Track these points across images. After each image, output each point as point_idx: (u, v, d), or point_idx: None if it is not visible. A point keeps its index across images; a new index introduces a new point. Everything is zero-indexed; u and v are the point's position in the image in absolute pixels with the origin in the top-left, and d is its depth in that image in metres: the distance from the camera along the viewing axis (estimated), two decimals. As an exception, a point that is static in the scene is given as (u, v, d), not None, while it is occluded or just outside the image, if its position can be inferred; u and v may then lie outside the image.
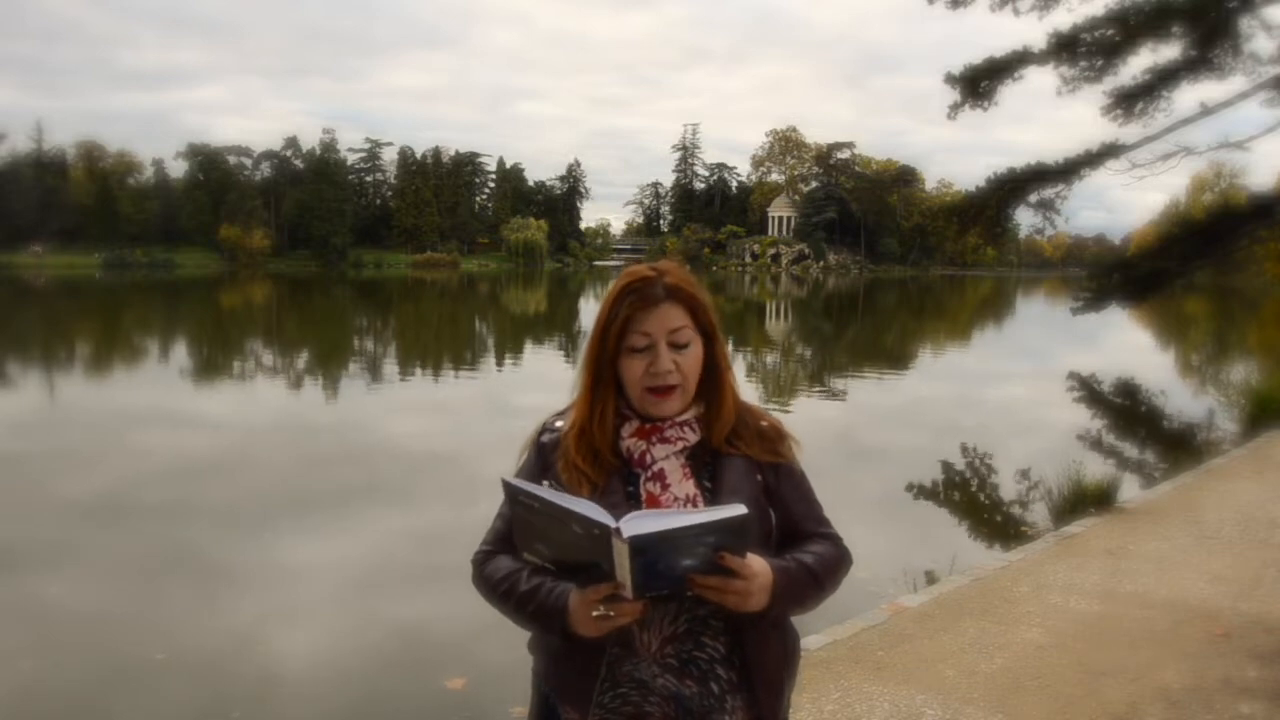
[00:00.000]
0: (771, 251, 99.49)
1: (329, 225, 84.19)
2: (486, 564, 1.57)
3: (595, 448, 1.52)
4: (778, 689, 1.54)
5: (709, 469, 1.53)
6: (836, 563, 1.56)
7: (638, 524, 1.26)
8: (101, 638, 5.18)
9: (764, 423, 1.59)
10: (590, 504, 1.31)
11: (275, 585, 5.99)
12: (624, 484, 1.51)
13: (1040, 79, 38.99)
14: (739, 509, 1.30)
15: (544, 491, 1.34)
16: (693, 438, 1.53)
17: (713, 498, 1.49)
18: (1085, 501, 6.64)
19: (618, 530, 1.25)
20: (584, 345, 1.59)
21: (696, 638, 1.47)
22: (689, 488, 1.50)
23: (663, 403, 1.50)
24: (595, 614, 1.35)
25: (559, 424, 1.59)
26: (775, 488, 1.55)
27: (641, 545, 1.24)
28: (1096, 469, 7.66)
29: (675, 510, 1.43)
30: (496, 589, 1.52)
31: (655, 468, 1.51)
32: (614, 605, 1.33)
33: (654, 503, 1.49)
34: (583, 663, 1.47)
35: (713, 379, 1.55)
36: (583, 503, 1.31)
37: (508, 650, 4.60)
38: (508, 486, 1.37)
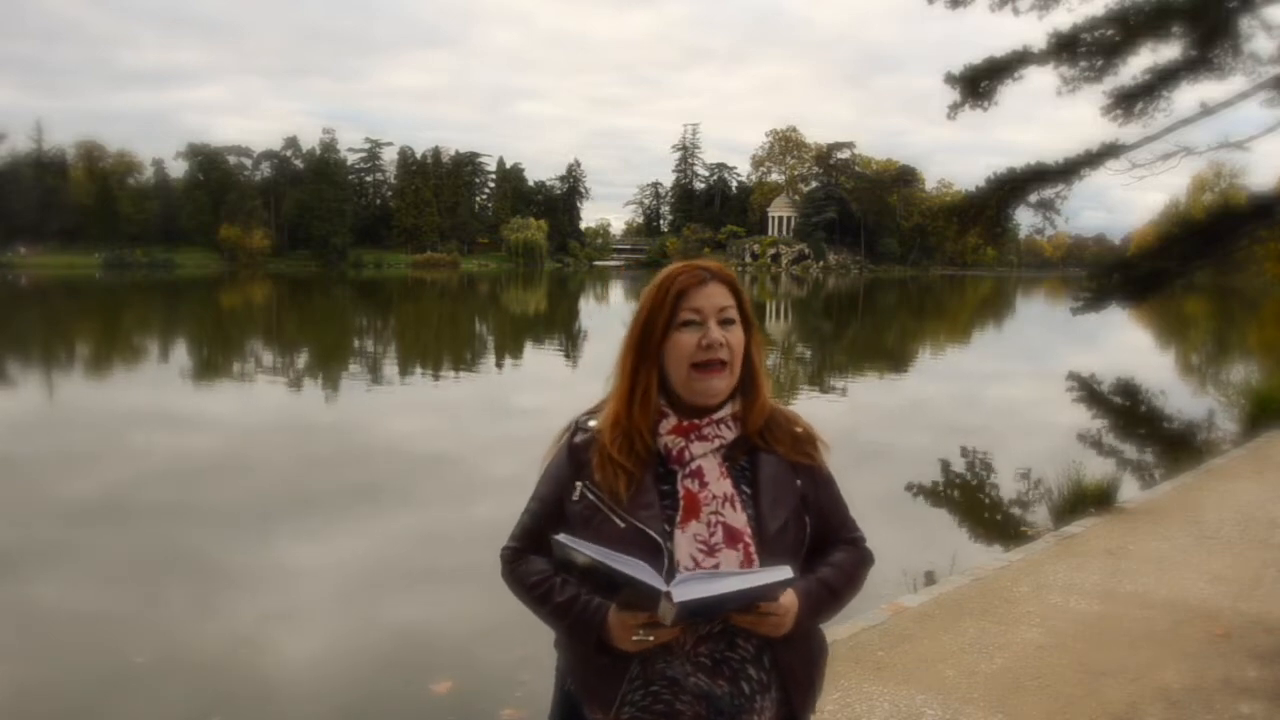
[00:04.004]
0: (771, 251, 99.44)
1: (329, 225, 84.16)
2: (518, 564, 1.59)
3: (632, 435, 1.52)
4: (808, 687, 1.57)
5: (746, 471, 1.54)
6: (856, 568, 1.62)
7: (689, 589, 1.32)
8: (88, 639, 5.16)
9: (798, 429, 1.61)
10: (641, 565, 1.35)
11: (268, 587, 5.98)
12: (658, 482, 1.52)
13: (1040, 79, 38.96)
14: (785, 573, 1.37)
15: (597, 552, 1.35)
16: (729, 435, 1.54)
17: (754, 505, 1.51)
18: (1085, 501, 6.64)
19: (668, 595, 1.31)
20: (620, 341, 1.59)
21: (730, 639, 1.49)
22: (726, 486, 1.51)
23: (711, 380, 1.51)
24: (635, 637, 1.40)
25: (591, 423, 1.58)
26: (813, 496, 1.58)
27: (691, 610, 1.32)
28: (1096, 469, 7.65)
29: (724, 572, 1.43)
30: (531, 592, 1.56)
31: (693, 465, 1.52)
32: (653, 630, 1.39)
33: (692, 500, 1.49)
34: (611, 665, 1.49)
35: (749, 370, 1.57)
36: (634, 563, 1.35)
37: (497, 653, 4.62)
38: (556, 543, 1.39)
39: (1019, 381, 17.72)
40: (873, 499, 8.34)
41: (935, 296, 61.75)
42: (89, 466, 9.21)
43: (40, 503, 7.83)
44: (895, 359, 22.76)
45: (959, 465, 9.99)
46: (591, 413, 1.61)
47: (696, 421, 1.53)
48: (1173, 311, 35.15)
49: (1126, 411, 14.37)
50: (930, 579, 5.49)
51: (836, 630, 4.21)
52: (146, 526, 7.23)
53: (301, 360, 21.31)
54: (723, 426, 1.54)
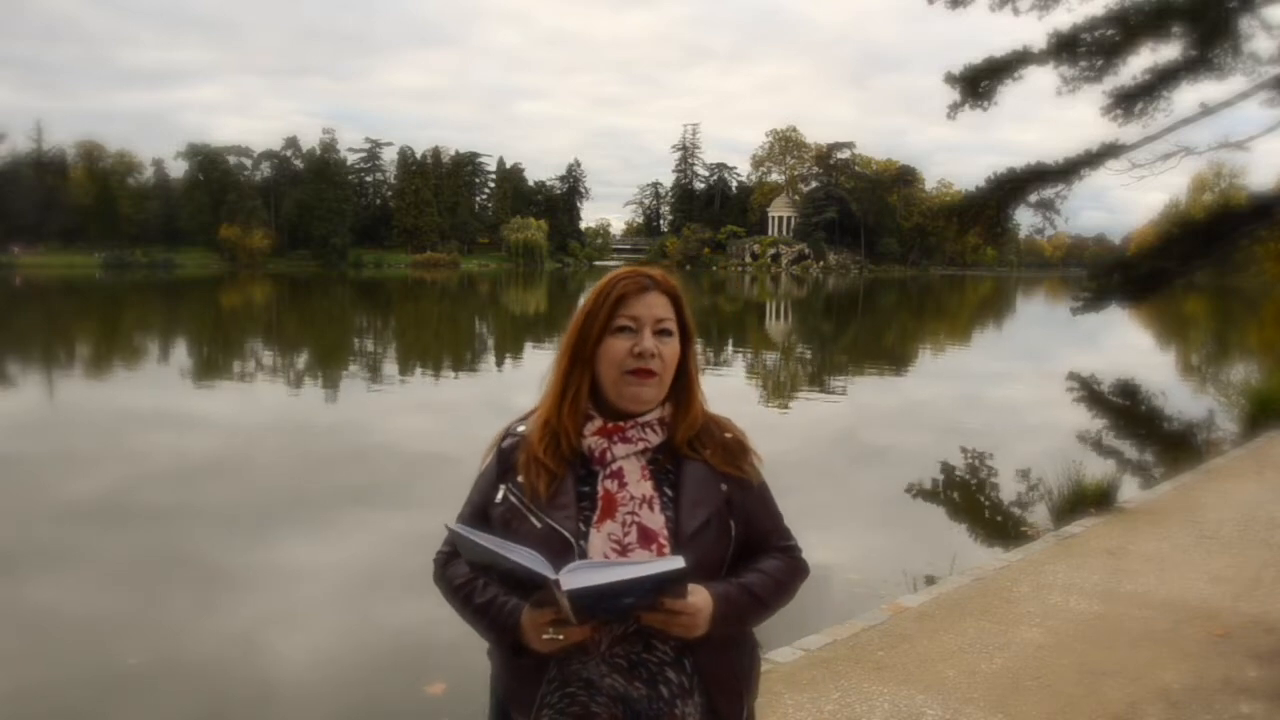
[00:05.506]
0: (771, 251, 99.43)
1: (329, 225, 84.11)
2: (448, 566, 1.60)
3: (559, 435, 1.52)
4: (735, 697, 1.54)
5: (670, 475, 1.53)
6: (787, 576, 1.58)
7: (577, 577, 1.29)
8: (83, 640, 5.15)
9: (728, 434, 1.59)
10: (530, 553, 1.33)
11: (265, 588, 5.97)
12: (578, 484, 1.51)
13: (1040, 79, 39.03)
14: (678, 562, 1.32)
15: (486, 540, 1.36)
16: (654, 439, 1.53)
17: (674, 507, 1.49)
18: (1085, 501, 6.64)
19: (556, 583, 1.29)
20: (557, 344, 1.60)
21: (646, 640, 1.47)
22: (646, 488, 1.50)
23: (641, 387, 1.50)
24: (545, 636, 1.39)
25: (521, 428, 1.59)
26: (740, 502, 1.55)
27: (580, 598, 1.29)
28: (1096, 469, 7.65)
29: (615, 562, 1.43)
30: (457, 594, 1.56)
31: (614, 466, 1.51)
32: (562, 628, 1.37)
33: (609, 500, 1.48)
34: (529, 667, 1.48)
35: (683, 380, 1.56)
36: (523, 552, 1.33)
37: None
38: (451, 532, 1.41)
39: (1019, 382, 17.71)
40: (873, 499, 8.36)
41: (935, 296, 61.72)
42: (87, 467, 9.20)
43: (38, 503, 7.81)
44: (895, 359, 22.75)
45: (959, 466, 9.98)
46: (524, 419, 1.62)
47: (621, 424, 1.53)
48: (1173, 311, 35.15)
49: (1126, 412, 14.36)
50: (930, 579, 5.49)
51: (836, 630, 4.22)
52: (144, 527, 7.22)
53: (301, 360, 21.30)
54: (648, 430, 1.53)
